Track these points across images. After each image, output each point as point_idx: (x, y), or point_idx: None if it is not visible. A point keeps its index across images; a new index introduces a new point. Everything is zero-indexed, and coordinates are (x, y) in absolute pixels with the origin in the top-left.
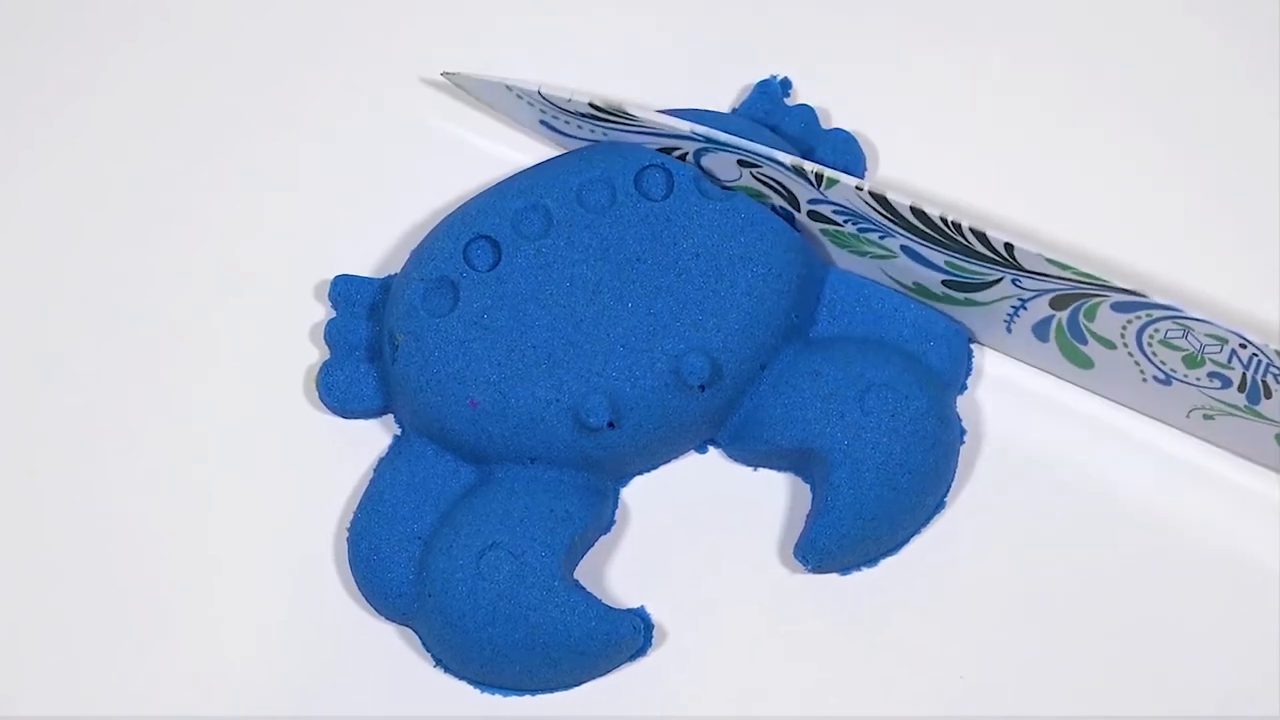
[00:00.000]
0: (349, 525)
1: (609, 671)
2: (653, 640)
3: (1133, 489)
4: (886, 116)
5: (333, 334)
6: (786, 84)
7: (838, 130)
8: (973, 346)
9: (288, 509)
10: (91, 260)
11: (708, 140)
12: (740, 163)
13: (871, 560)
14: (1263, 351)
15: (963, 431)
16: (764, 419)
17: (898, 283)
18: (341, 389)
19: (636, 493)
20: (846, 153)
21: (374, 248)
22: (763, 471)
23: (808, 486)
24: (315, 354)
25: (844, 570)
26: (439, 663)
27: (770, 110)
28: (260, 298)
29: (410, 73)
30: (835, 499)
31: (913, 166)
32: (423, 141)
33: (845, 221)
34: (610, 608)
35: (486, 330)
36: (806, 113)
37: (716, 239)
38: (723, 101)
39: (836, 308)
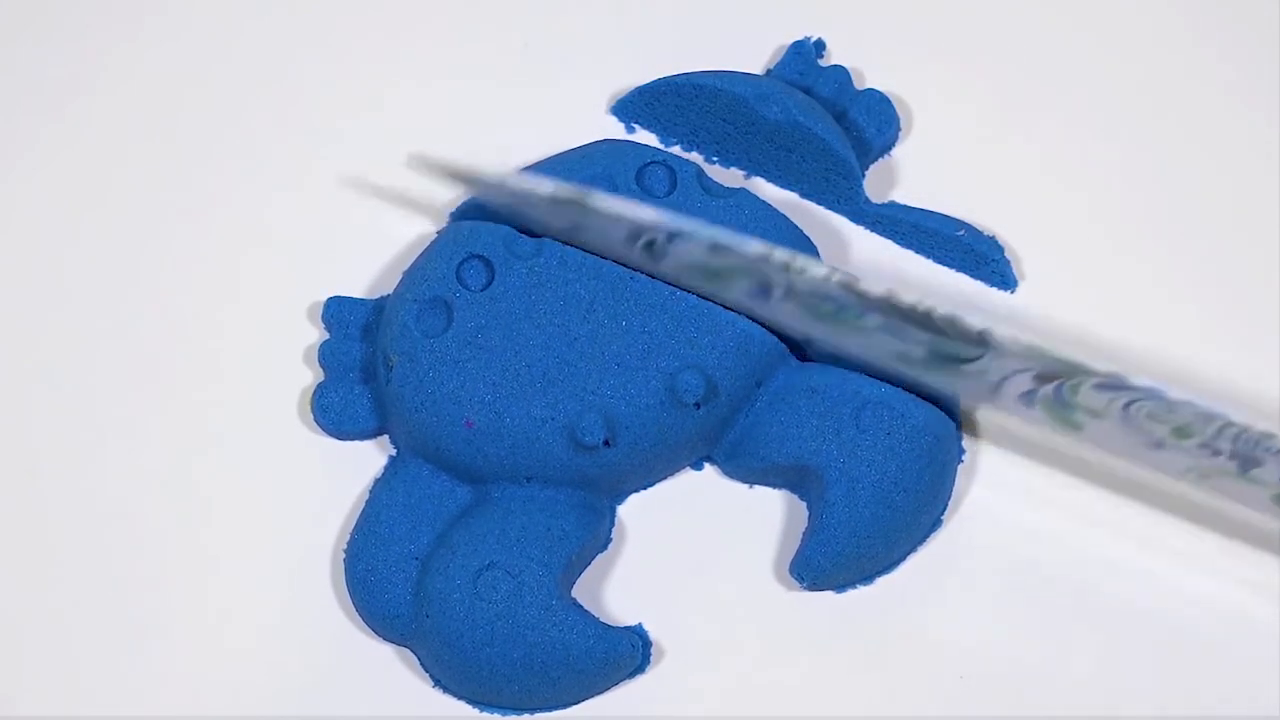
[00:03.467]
0: (345, 547)
1: (607, 689)
2: (650, 658)
3: (1132, 506)
4: (922, 78)
5: (326, 356)
6: (820, 45)
7: (871, 91)
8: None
9: (283, 532)
10: (83, 283)
11: (674, 229)
12: (711, 248)
13: (868, 578)
14: (1249, 429)
15: (961, 451)
16: (760, 436)
17: (880, 356)
18: (336, 410)
19: (633, 510)
20: (880, 114)
21: (367, 268)
22: (758, 489)
23: (804, 504)
24: (309, 376)
25: (840, 588)
26: (437, 683)
27: (804, 72)
28: (253, 320)
29: (408, 86)
30: (831, 516)
31: (948, 129)
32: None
33: (820, 301)
34: (608, 626)
35: (481, 350)
36: (840, 74)
37: None
38: (756, 63)
39: None
